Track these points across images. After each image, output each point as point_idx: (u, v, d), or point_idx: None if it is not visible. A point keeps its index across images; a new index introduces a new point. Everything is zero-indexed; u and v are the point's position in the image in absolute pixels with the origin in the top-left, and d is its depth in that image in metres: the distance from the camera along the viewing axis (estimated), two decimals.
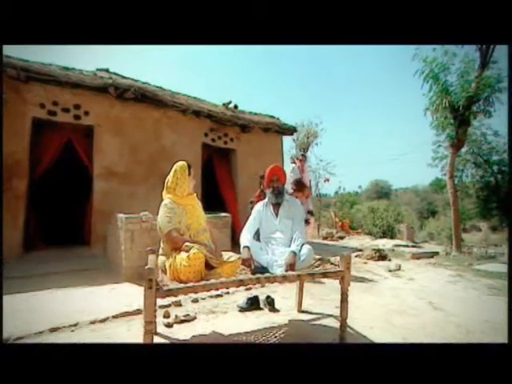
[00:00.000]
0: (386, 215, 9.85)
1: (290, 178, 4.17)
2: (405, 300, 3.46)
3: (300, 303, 3.08)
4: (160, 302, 3.03)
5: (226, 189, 7.14)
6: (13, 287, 3.28)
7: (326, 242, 8.65)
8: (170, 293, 1.83)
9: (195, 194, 2.54)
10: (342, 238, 8.97)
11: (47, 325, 2.48)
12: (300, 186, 4.30)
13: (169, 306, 3.09)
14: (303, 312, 3.04)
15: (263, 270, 2.44)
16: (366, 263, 5.59)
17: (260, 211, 2.78)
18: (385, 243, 7.07)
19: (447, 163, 7.14)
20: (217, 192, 7.25)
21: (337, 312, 2.93)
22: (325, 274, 2.34)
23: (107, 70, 5.55)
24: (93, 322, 2.60)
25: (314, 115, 13.13)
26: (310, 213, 4.49)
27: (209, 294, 3.41)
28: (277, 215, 2.74)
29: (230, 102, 7.17)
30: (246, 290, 3.69)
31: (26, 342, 2.25)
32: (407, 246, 7.01)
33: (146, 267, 1.79)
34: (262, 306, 3.16)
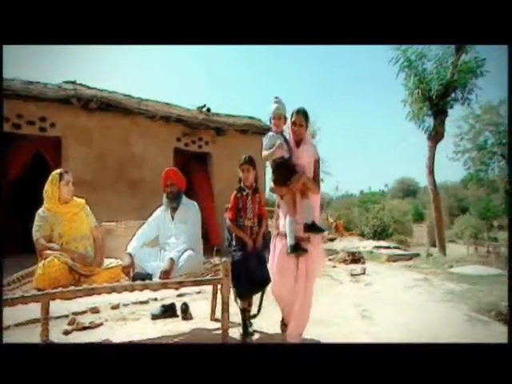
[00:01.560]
0: (382, 214, 9.35)
1: (267, 158, 2.22)
2: (338, 308, 3.24)
3: (213, 311, 2.96)
4: (75, 308, 3.10)
5: (202, 194, 7.11)
6: None
7: None
8: (4, 303, 1.81)
9: (81, 201, 2.53)
10: (332, 239, 8.63)
11: None
12: (281, 173, 2.17)
13: (85, 312, 3.10)
14: (216, 320, 2.92)
15: (147, 276, 2.37)
16: (334, 267, 5.32)
17: (158, 216, 2.73)
18: (366, 245, 6.71)
19: (427, 157, 6.63)
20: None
21: (254, 322, 2.80)
22: (198, 282, 2.24)
23: (73, 82, 5.74)
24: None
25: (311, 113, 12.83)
26: (311, 228, 2.12)
27: (133, 299, 3.40)
28: (173, 219, 2.67)
29: (204, 106, 7.17)
30: (178, 296, 3.63)
31: None
32: (389, 247, 6.59)
33: None
34: (178, 313, 3.08)
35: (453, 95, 6.02)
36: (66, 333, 2.64)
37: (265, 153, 2.23)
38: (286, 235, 2.18)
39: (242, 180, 2.53)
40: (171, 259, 2.31)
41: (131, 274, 2.35)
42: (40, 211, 2.31)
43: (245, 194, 2.50)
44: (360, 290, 3.93)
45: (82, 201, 2.55)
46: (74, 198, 2.52)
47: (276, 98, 2.33)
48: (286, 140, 2.29)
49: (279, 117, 2.28)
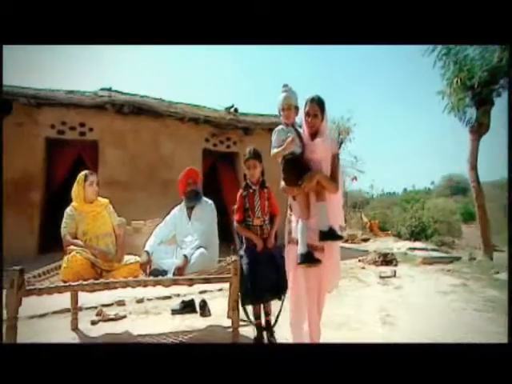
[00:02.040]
0: (421, 214, 8.74)
1: (277, 156, 1.92)
2: (360, 312, 3.10)
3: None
4: (104, 300, 3.32)
5: (230, 194, 7.18)
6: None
7: (344, 244, 8.09)
8: (31, 292, 1.98)
9: (105, 201, 2.69)
10: (366, 240, 8.26)
11: None
12: (292, 171, 1.87)
13: (112, 304, 3.30)
14: (230, 317, 2.95)
15: (163, 273, 2.46)
16: (363, 268, 5.10)
17: (175, 215, 2.81)
18: (401, 246, 6.31)
19: (469, 152, 6.01)
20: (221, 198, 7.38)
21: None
22: (208, 280, 2.26)
23: (109, 89, 6.13)
24: (31, 317, 2.93)
25: (345, 110, 12.43)
26: (327, 236, 1.79)
27: (157, 295, 3.55)
28: (190, 218, 2.74)
29: (232, 106, 7.27)
30: (200, 293, 3.72)
31: None
32: (425, 249, 6.14)
33: (11, 269, 1.98)
34: (198, 309, 3.16)
35: (501, 81, 5.41)
36: (93, 323, 2.83)
37: (274, 150, 1.93)
38: (297, 242, 1.89)
39: (248, 177, 2.38)
40: (184, 256, 2.37)
41: (148, 271, 2.46)
42: (68, 209, 2.50)
43: (251, 191, 2.36)
44: (387, 293, 3.72)
45: (106, 201, 2.71)
46: (99, 198, 2.68)
47: (285, 85, 2.00)
48: (298, 133, 1.98)
49: (289, 107, 1.96)
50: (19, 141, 5.38)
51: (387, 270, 4.78)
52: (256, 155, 2.33)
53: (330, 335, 2.41)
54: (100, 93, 5.89)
